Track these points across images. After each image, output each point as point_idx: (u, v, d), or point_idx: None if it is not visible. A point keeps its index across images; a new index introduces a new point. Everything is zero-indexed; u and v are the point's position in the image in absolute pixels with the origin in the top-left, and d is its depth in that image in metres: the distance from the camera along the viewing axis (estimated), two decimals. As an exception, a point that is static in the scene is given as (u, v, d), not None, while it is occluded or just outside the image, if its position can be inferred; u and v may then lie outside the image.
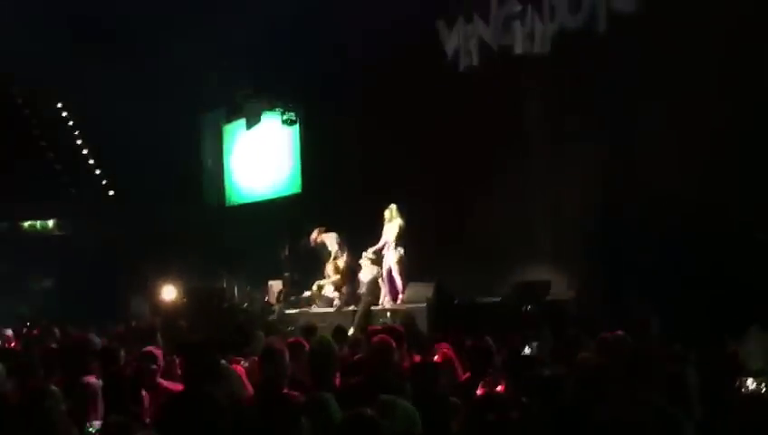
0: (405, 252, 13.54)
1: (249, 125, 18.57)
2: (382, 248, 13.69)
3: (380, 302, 13.53)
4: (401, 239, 13.53)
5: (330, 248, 14.76)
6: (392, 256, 13.61)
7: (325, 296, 14.66)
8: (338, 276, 14.51)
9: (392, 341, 5.45)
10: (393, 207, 13.70)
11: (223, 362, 6.03)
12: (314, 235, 14.87)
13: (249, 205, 19.68)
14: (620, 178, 12.39)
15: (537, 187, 13.94)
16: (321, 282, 14.66)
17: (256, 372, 5.93)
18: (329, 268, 14.67)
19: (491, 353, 6.40)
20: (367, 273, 13.84)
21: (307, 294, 15.05)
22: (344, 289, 14.44)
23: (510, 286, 12.41)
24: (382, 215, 13.75)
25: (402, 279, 13.59)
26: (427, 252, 13.94)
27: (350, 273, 14.41)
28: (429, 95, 14.78)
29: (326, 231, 14.78)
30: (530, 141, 14.03)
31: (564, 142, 13.29)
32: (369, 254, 13.82)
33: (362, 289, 13.77)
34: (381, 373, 5.14)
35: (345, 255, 14.52)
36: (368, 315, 13.21)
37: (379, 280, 13.68)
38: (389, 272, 13.66)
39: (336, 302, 14.29)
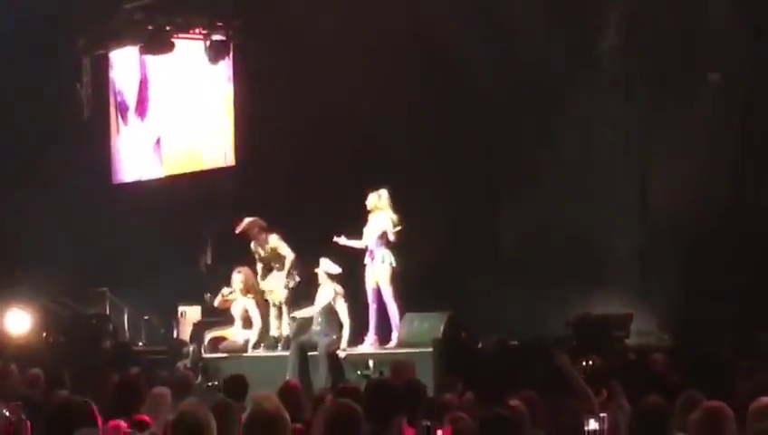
0: (398, 264, 13.59)
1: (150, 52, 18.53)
2: (363, 253, 13.77)
3: (345, 343, 13.55)
4: (393, 242, 13.60)
5: (283, 253, 14.78)
6: (380, 269, 13.59)
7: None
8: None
9: (356, 406, 5.68)
10: (383, 193, 13.65)
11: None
12: (246, 226, 14.85)
13: (150, 184, 19.73)
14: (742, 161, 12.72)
15: (609, 173, 14.16)
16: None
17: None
18: (276, 283, 14.74)
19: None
20: (323, 296, 13.85)
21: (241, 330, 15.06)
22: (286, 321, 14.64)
23: (565, 323, 12.48)
24: (361, 203, 13.77)
25: (398, 306, 13.63)
26: (437, 269, 13.96)
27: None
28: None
29: (265, 230, 14.79)
30: (595, 103, 14.30)
31: (655, 108, 13.63)
32: (328, 267, 13.82)
33: (318, 323, 13.78)
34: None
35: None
36: (335, 361, 13.26)
37: (340, 307, 13.71)
38: (377, 293, 13.69)
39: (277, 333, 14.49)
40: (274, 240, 14.59)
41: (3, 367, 11.91)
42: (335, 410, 5.73)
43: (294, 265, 14.41)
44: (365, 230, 13.67)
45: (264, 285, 14.73)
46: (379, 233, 13.52)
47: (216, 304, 15.27)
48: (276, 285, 14.64)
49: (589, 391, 7.18)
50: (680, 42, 13.80)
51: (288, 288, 14.52)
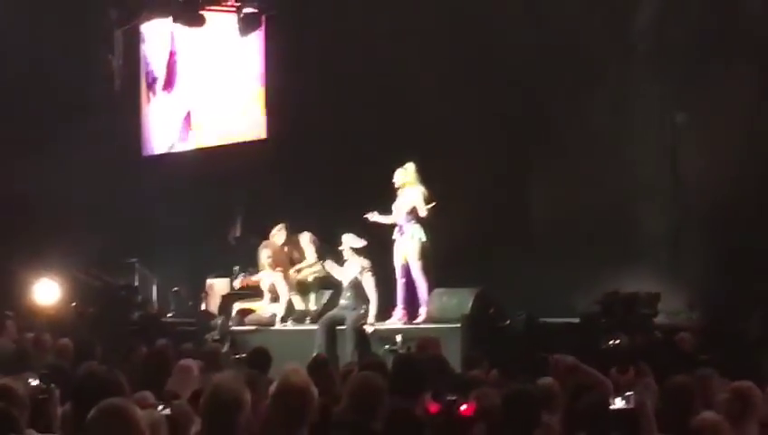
0: (429, 239, 13.57)
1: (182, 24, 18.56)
2: (392, 228, 13.71)
3: (372, 318, 13.56)
4: (424, 217, 13.56)
5: (306, 253, 14.93)
6: (410, 245, 13.59)
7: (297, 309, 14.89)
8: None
9: (379, 379, 5.76)
10: (410, 167, 13.63)
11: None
12: (276, 237, 15.03)
13: (179, 156, 19.80)
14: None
15: (641, 149, 14.12)
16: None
17: (185, 426, 5.98)
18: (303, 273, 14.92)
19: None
20: (350, 270, 13.90)
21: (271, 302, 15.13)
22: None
23: (595, 301, 12.43)
24: (391, 177, 13.80)
25: (426, 281, 13.64)
26: (466, 245, 13.96)
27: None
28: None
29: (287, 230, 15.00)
30: (628, 79, 14.26)
31: (688, 84, 13.63)
32: (352, 241, 13.82)
33: (345, 297, 13.86)
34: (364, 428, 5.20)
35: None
36: (362, 336, 13.28)
37: (366, 281, 13.75)
38: (405, 269, 13.68)
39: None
40: (305, 240, 14.74)
41: (36, 337, 12.02)
42: (358, 382, 5.72)
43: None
44: (394, 206, 13.65)
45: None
46: (408, 208, 13.51)
47: (236, 285, 15.35)
48: (308, 258, 14.77)
49: (601, 377, 7.11)
50: (715, 20, 13.71)
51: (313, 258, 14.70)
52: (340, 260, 13.96)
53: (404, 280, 13.69)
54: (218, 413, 5.00)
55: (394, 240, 13.71)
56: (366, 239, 13.79)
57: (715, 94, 13.37)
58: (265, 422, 5.43)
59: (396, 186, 13.66)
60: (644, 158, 14.25)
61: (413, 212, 13.52)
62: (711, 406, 6.76)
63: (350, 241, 13.69)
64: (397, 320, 13.64)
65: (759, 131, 13.24)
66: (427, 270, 13.62)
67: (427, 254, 13.59)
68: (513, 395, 6.01)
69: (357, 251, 13.72)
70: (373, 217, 13.71)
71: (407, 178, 13.60)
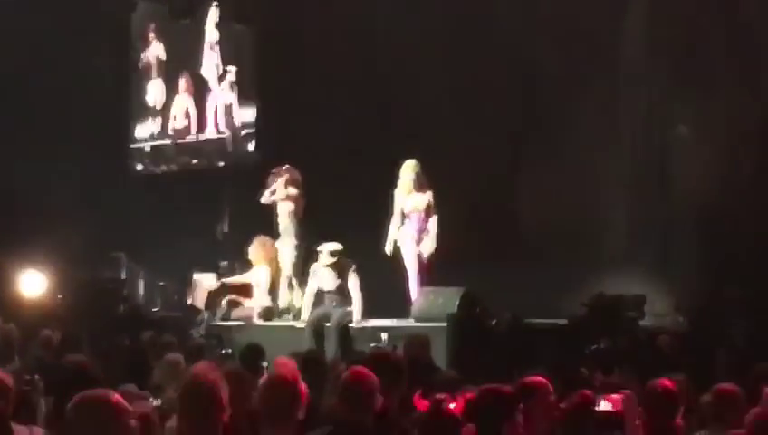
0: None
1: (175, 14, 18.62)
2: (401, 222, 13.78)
3: (358, 316, 13.57)
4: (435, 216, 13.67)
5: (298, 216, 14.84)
6: (426, 241, 13.76)
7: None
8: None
9: (372, 375, 5.74)
10: (413, 163, 13.77)
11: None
12: (280, 181, 14.85)
13: (167, 148, 19.80)
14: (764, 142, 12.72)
15: (629, 151, 14.25)
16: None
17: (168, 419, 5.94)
18: (287, 253, 14.84)
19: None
20: (333, 273, 13.73)
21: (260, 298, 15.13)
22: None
23: (582, 303, 12.45)
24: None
25: (424, 281, 13.77)
26: (453, 244, 13.97)
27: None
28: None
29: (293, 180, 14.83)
30: (617, 80, 14.34)
31: (676, 86, 13.74)
32: (331, 247, 13.68)
33: (331, 295, 13.75)
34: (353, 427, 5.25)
35: None
36: (347, 334, 13.30)
37: (351, 280, 13.65)
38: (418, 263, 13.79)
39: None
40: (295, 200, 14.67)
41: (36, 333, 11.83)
42: (351, 378, 5.71)
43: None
44: (409, 203, 13.78)
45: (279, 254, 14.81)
46: (424, 206, 13.74)
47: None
48: (287, 256, 14.70)
49: None
50: (703, 22, 13.76)
51: (297, 257, 14.58)
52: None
53: (417, 273, 13.84)
54: (194, 405, 4.97)
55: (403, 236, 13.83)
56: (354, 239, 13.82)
57: (703, 96, 13.41)
58: (254, 416, 5.44)
59: (403, 183, 13.76)
60: (632, 159, 14.29)
61: (429, 211, 13.73)
62: (694, 409, 6.81)
63: (326, 248, 13.66)
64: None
65: (747, 132, 13.29)
66: (430, 269, 13.77)
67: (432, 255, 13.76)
68: (485, 392, 6.00)
69: (336, 253, 13.69)
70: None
71: (412, 174, 13.73)
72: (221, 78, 18.94)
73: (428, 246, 13.83)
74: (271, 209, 14.83)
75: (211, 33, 18.93)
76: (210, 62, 19.08)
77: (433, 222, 13.79)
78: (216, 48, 18.89)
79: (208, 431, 4.93)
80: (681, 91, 13.84)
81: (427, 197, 13.77)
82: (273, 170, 14.84)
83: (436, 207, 13.76)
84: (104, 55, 19.45)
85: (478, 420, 5.90)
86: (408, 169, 13.79)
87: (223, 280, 15.61)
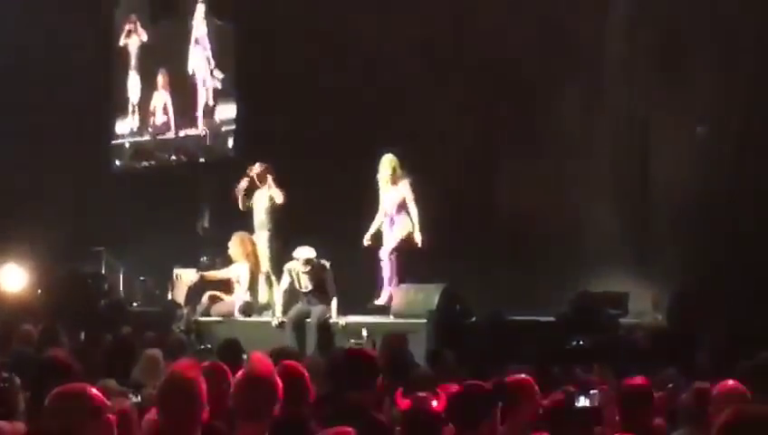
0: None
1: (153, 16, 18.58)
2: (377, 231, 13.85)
3: (334, 312, 13.54)
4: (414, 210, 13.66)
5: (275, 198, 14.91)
6: (398, 235, 13.78)
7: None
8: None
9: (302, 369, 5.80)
10: (390, 158, 13.79)
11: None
12: (256, 170, 14.92)
13: (147, 144, 19.75)
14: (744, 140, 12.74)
15: (610, 147, 14.26)
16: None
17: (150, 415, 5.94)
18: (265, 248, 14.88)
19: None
20: (310, 274, 13.62)
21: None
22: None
23: (568, 300, 12.46)
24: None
25: (398, 274, 13.78)
26: (434, 240, 13.97)
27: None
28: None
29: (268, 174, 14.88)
30: (604, 65, 14.34)
31: (657, 84, 13.80)
32: (305, 253, 13.57)
33: (308, 291, 13.69)
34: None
35: None
36: (327, 330, 13.28)
37: (327, 278, 13.66)
38: (390, 255, 13.82)
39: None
40: (277, 193, 14.68)
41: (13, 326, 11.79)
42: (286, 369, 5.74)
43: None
44: (385, 198, 13.85)
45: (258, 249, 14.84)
46: (400, 200, 13.75)
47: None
48: (264, 251, 14.75)
49: None
50: (686, 20, 13.81)
51: (272, 251, 14.71)
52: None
53: (388, 264, 13.87)
54: (175, 401, 4.97)
55: (382, 232, 13.91)
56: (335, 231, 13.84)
57: (686, 94, 13.46)
58: (230, 411, 5.43)
59: (382, 179, 13.79)
60: (614, 157, 14.33)
61: (404, 205, 13.73)
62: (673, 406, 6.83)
63: (303, 255, 13.62)
64: (384, 302, 13.76)
65: (729, 131, 13.34)
66: (402, 262, 13.80)
67: (411, 245, 13.74)
68: (466, 389, 6.02)
69: (312, 260, 13.62)
70: (367, 239, 13.93)
71: (390, 170, 13.75)
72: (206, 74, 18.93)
73: (396, 236, 13.80)
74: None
75: (198, 29, 18.91)
76: (196, 58, 19.05)
77: (404, 218, 13.77)
78: (206, 43, 18.86)
79: (188, 428, 4.94)
80: (662, 90, 13.87)
81: (402, 191, 13.76)
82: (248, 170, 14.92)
83: (417, 201, 13.74)
84: (88, 50, 19.39)
85: (457, 419, 5.92)
86: (385, 163, 13.81)
87: (203, 275, 15.59)
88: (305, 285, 13.69)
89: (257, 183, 14.79)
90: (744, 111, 13.29)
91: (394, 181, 13.78)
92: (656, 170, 13.97)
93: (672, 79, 13.68)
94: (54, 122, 18.70)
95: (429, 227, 13.96)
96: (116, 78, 20.19)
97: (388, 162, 13.81)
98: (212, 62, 18.79)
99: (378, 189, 13.93)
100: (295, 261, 13.63)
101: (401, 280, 13.82)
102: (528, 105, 14.83)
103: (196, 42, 19.01)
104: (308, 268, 13.55)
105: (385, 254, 13.90)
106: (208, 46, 18.84)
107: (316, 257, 13.60)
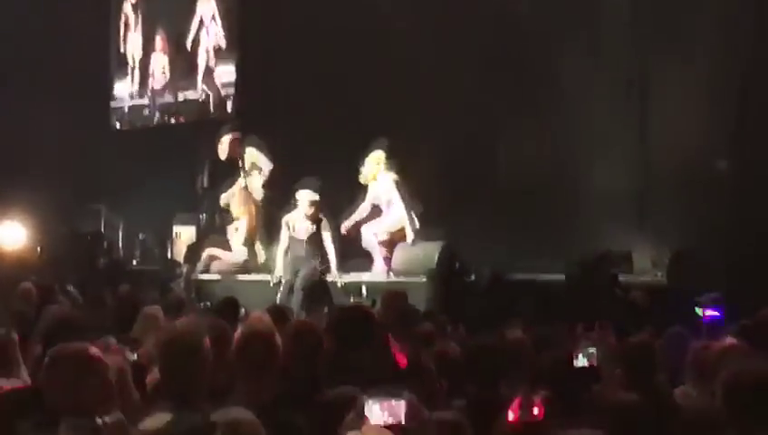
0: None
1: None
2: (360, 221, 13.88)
3: (334, 270, 13.62)
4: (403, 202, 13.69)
5: (263, 168, 14.94)
6: (388, 222, 13.82)
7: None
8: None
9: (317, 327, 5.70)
10: (380, 155, 13.78)
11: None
12: (226, 142, 15.03)
13: (146, 106, 19.72)
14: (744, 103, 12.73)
15: (609, 105, 14.18)
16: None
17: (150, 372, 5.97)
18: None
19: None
20: (307, 224, 13.69)
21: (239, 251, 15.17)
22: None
23: (577, 259, 12.48)
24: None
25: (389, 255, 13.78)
26: (434, 200, 14.07)
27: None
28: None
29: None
30: (599, 42, 14.35)
31: (658, 49, 13.74)
32: (309, 196, 13.57)
33: (302, 248, 13.71)
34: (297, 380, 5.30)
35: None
36: (312, 288, 13.26)
37: (324, 234, 13.68)
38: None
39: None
40: (252, 153, 14.75)
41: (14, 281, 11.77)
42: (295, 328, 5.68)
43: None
44: (371, 195, 13.95)
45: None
46: (387, 197, 13.82)
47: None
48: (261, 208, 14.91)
49: None
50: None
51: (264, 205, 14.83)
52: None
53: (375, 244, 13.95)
54: (175, 358, 4.93)
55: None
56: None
57: (684, 53, 13.39)
58: (230, 371, 5.42)
59: (368, 178, 13.87)
60: (613, 116, 14.27)
61: (390, 201, 13.79)
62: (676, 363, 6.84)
63: (307, 195, 13.59)
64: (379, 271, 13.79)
65: (727, 90, 13.28)
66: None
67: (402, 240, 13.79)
68: (476, 348, 6.02)
69: (313, 205, 13.62)
70: (346, 226, 13.95)
71: (379, 167, 13.75)
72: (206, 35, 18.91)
73: (389, 229, 13.85)
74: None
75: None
76: (197, 19, 19.00)
77: (395, 212, 13.82)
78: (212, 2, 18.82)
79: (191, 384, 4.93)
80: (662, 48, 13.81)
81: (389, 187, 13.78)
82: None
83: (406, 195, 13.82)
84: (87, 10, 19.30)
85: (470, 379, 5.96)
86: (372, 160, 13.82)
87: (202, 233, 15.62)
88: (302, 231, 13.61)
89: (234, 154, 14.89)
90: (745, 68, 13.23)
91: (379, 176, 13.82)
92: (655, 129, 13.92)
93: (671, 38, 13.61)
94: (53, 81, 18.63)
95: (430, 186, 13.96)
96: (114, 37, 20.11)
97: (374, 160, 13.81)
98: (216, 21, 18.72)
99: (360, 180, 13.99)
100: (297, 202, 13.55)
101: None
102: (528, 65, 14.74)
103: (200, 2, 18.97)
104: (310, 211, 13.48)
105: (369, 232, 13.90)
106: (211, 6, 18.76)
107: (317, 206, 13.55)
